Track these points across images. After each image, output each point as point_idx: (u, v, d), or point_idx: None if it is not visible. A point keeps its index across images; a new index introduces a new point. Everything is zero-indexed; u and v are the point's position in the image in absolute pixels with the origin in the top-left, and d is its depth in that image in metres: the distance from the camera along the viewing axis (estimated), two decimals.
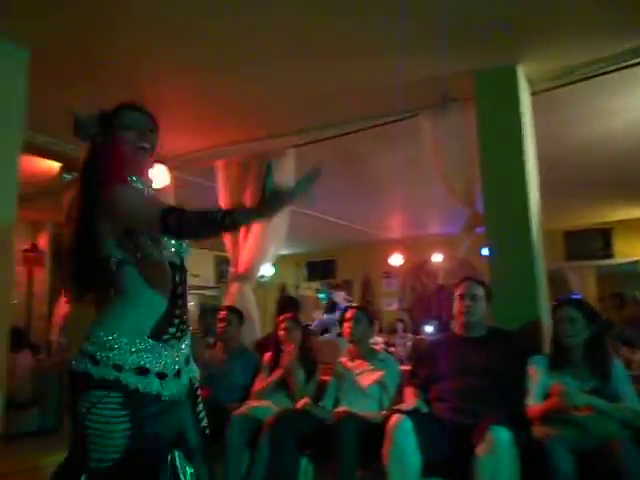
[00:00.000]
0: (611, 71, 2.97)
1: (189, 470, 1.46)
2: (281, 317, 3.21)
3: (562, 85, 3.10)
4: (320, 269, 9.81)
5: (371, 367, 2.87)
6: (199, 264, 8.47)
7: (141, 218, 1.45)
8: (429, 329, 7.62)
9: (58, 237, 6.14)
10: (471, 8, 2.48)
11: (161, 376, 1.43)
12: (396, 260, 8.58)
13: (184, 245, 1.59)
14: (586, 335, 2.32)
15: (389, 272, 8.85)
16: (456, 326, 2.68)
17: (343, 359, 3.02)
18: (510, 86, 2.93)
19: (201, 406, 1.62)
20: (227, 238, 4.02)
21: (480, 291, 2.62)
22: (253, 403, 2.96)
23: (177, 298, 1.51)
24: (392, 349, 6.03)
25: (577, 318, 2.32)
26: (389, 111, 3.35)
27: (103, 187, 1.45)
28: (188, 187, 4.43)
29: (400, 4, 2.41)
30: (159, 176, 3.84)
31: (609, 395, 2.19)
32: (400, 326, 7.29)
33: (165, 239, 1.51)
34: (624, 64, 2.92)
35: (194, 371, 1.60)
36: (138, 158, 1.58)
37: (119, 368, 1.37)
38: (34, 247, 6.48)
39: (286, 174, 3.86)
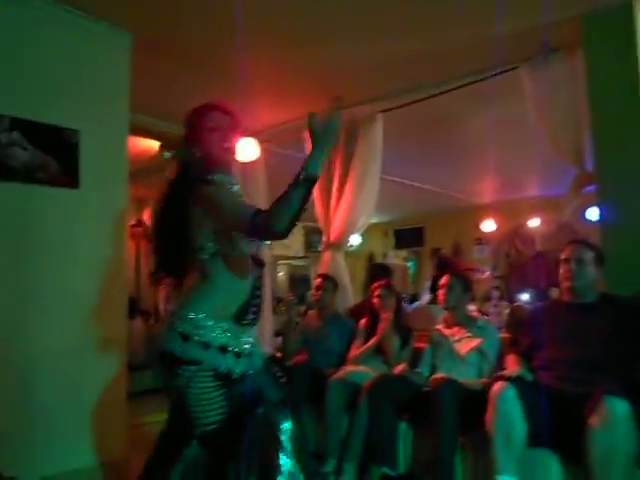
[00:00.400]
0: None
1: (286, 425, 1.62)
2: (375, 284, 3.21)
3: None
4: (408, 237, 9.66)
5: (469, 334, 2.80)
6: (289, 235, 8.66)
7: (233, 219, 1.57)
8: (525, 297, 7.29)
9: None
10: None
11: (237, 355, 1.60)
12: (488, 226, 8.22)
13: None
14: None
15: (481, 239, 8.52)
16: (562, 292, 2.52)
17: (439, 326, 2.98)
18: (624, 25, 2.61)
19: (275, 367, 1.84)
20: (319, 208, 4.05)
21: (588, 255, 2.44)
22: (350, 368, 3.02)
23: (256, 289, 1.67)
24: (485, 317, 5.85)
25: None
26: (483, 67, 3.16)
27: (200, 184, 1.59)
28: (278, 159, 4.51)
29: None
30: (250, 149, 3.93)
31: None
32: (495, 294, 7.04)
33: None
34: None
35: (261, 352, 1.80)
36: (224, 158, 1.69)
37: (207, 346, 1.54)
38: (140, 222, 6.96)
39: (375, 139, 3.80)
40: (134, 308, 5.19)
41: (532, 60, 2.97)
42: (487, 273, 8.33)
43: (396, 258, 9.99)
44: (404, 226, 9.65)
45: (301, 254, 9.48)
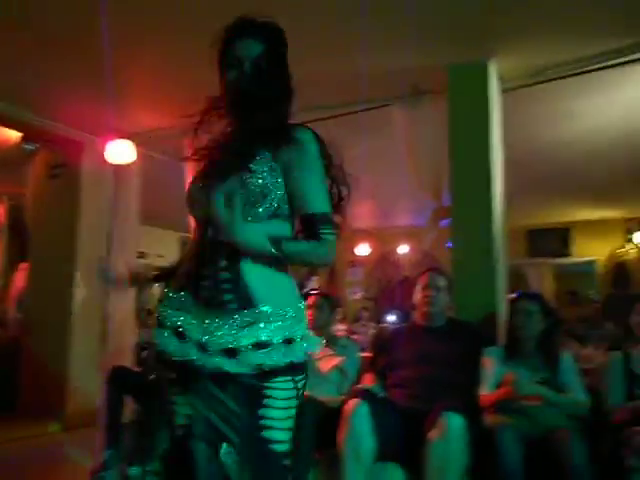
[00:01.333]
0: (578, 74, 3.05)
1: None
2: None
3: (532, 84, 3.17)
4: None
5: (331, 352, 2.89)
6: (163, 244, 8.32)
7: None
8: (391, 318, 7.74)
9: (16, 209, 5.93)
10: (446, 2, 2.50)
11: None
12: (363, 250, 8.64)
13: None
14: (540, 328, 2.40)
15: (354, 261, 8.92)
16: (417, 316, 2.72)
17: None
18: (481, 82, 2.98)
19: None
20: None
21: (443, 282, 2.68)
22: None
23: None
24: (354, 337, 6.09)
25: (534, 311, 2.40)
26: (362, 99, 3.35)
27: None
28: (156, 164, 4.34)
29: None
30: (124, 152, 3.74)
31: (558, 386, 2.28)
32: (364, 315, 7.37)
33: None
34: (590, 68, 3.01)
35: None
36: None
37: None
38: None
39: None
40: None
41: (404, 99, 3.22)
42: (359, 294, 8.73)
43: None
44: None
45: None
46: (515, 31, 2.79)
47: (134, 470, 2.58)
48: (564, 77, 3.09)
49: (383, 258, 8.76)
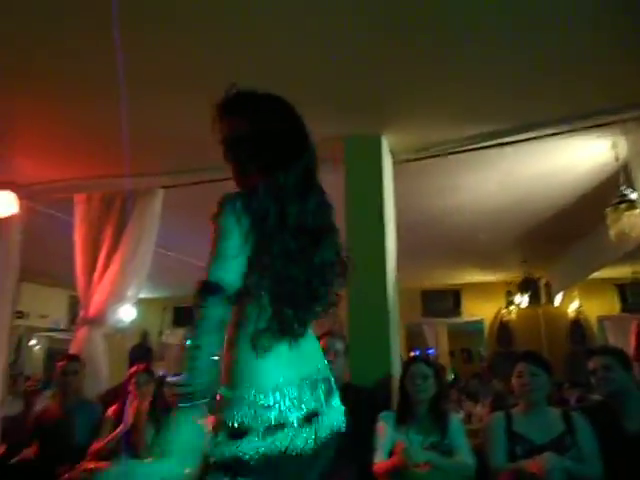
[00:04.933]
0: (461, 151, 3.36)
1: None
2: (133, 369, 2.97)
3: (420, 158, 3.43)
4: (188, 314, 9.35)
5: None
6: (50, 304, 7.65)
7: None
8: None
9: None
10: (344, 76, 2.67)
11: None
12: None
13: None
14: (433, 392, 2.46)
15: None
16: None
17: None
18: (374, 154, 3.17)
19: None
20: (79, 276, 3.67)
21: (340, 346, 2.68)
22: (89, 465, 2.65)
23: None
24: None
25: (429, 375, 2.46)
26: None
27: None
28: (43, 218, 4.03)
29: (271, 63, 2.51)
30: (4, 203, 3.46)
31: (447, 449, 2.32)
32: None
33: None
34: (472, 146, 3.33)
35: None
36: None
37: None
38: None
39: (151, 215, 3.69)
40: None
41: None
42: None
43: (173, 336, 9.53)
44: (184, 303, 9.36)
45: (63, 326, 8.36)
46: (405, 109, 3.03)
47: None
48: (448, 154, 3.39)
49: None
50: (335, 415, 1.29)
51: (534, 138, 3.24)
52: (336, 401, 1.32)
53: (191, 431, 1.05)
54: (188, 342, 1.11)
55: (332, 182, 3.22)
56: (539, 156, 3.66)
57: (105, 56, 2.41)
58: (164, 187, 3.70)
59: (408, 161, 3.43)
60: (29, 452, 2.85)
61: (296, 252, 1.23)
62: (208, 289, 1.15)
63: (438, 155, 3.40)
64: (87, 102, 2.90)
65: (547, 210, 4.74)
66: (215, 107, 1.36)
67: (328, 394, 1.28)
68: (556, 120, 3.13)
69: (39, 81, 2.71)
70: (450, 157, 3.42)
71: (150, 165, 3.56)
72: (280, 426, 1.15)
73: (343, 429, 1.29)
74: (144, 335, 9.17)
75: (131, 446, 2.76)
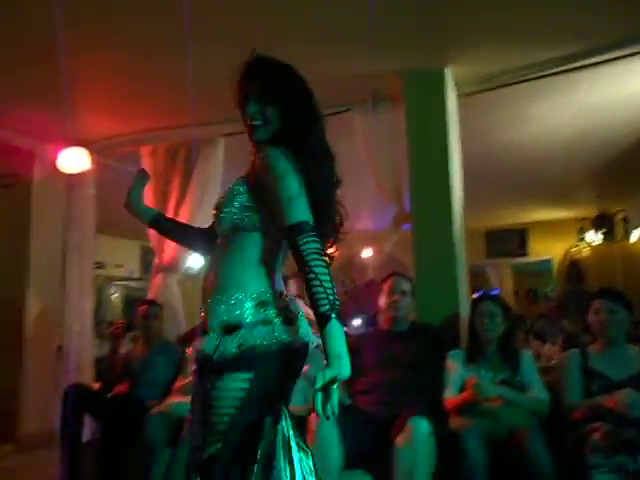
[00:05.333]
0: (531, 79, 3.14)
1: None
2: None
3: (487, 89, 3.24)
4: None
5: None
6: (124, 254, 8.10)
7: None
8: (357, 322, 7.77)
9: None
10: (403, 8, 2.52)
11: None
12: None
13: None
14: (502, 329, 2.44)
15: None
16: (382, 320, 2.72)
17: None
18: (438, 87, 3.02)
19: None
20: None
21: (407, 286, 2.69)
22: (174, 399, 2.87)
23: None
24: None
25: (496, 313, 2.44)
26: (322, 105, 3.34)
27: None
28: (112, 173, 4.20)
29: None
30: (78, 160, 3.62)
31: (519, 385, 2.32)
32: None
33: None
34: (543, 73, 3.10)
35: None
36: None
37: None
38: None
39: (214, 164, 3.75)
40: None
41: (363, 105, 3.23)
42: None
43: None
44: None
45: (137, 275, 8.88)
46: (469, 38, 2.85)
47: None
48: (517, 82, 3.18)
49: (348, 262, 8.79)
50: None
51: (613, 60, 2.97)
52: None
53: (343, 337, 1.18)
54: (319, 270, 1.19)
55: (391, 121, 3.16)
56: (618, 79, 3.35)
57: (169, 9, 2.41)
58: (225, 135, 3.73)
59: (474, 93, 3.25)
60: (121, 388, 3.12)
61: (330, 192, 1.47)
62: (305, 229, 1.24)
63: (506, 85, 3.20)
64: (151, 55, 2.94)
65: (626, 138, 4.40)
66: (245, 65, 1.47)
67: None
68: (637, 38, 2.84)
69: (104, 36, 2.75)
70: (519, 86, 3.21)
71: (211, 114, 3.58)
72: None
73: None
74: None
75: None
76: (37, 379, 3.92)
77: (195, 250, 1.78)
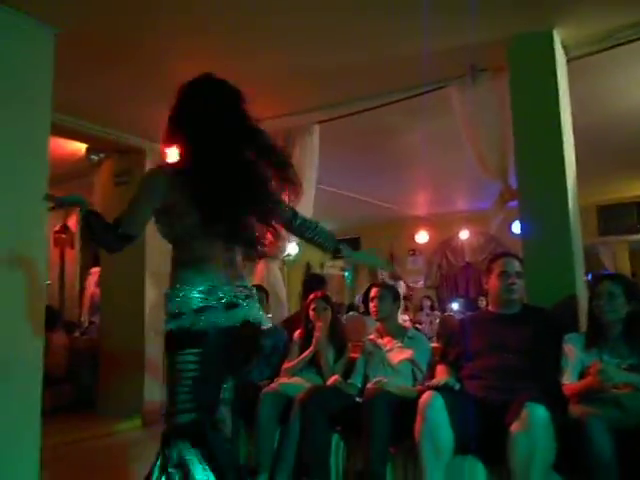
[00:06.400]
0: None
1: None
2: (312, 296, 3.18)
3: (600, 50, 2.96)
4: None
5: (400, 344, 2.85)
6: None
7: None
8: (455, 306, 7.57)
9: None
10: None
11: None
12: (422, 237, 8.49)
13: None
14: (625, 311, 2.25)
15: (414, 249, 8.78)
16: (492, 303, 2.60)
17: (371, 336, 3.01)
18: (545, 52, 2.80)
19: None
20: None
21: (519, 267, 2.55)
22: (283, 380, 2.98)
23: None
24: (419, 327, 6.00)
25: (617, 294, 2.25)
26: (417, 83, 3.26)
27: None
28: None
29: None
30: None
31: None
32: (427, 304, 7.26)
33: None
34: None
35: None
36: None
37: None
38: (65, 228, 6.60)
39: (311, 150, 3.80)
40: (56, 319, 4.87)
41: (461, 79, 3.09)
42: (420, 283, 8.59)
43: (333, 268, 10.05)
44: (340, 236, 9.67)
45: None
46: None
47: None
48: (633, 41, 2.86)
49: (444, 244, 8.57)
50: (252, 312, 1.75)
51: None
52: (254, 304, 1.78)
53: None
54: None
55: (492, 93, 3.00)
56: None
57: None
58: (320, 122, 3.77)
59: (584, 56, 2.98)
60: None
61: None
62: None
63: (620, 44, 2.90)
64: (248, 55, 3.03)
65: None
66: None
67: (246, 298, 1.74)
68: None
69: (203, 49, 2.89)
70: (635, 45, 2.89)
71: (305, 101, 3.64)
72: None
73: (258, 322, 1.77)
74: (307, 267, 9.82)
75: (317, 365, 3.02)
76: (159, 358, 4.25)
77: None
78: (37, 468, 2.52)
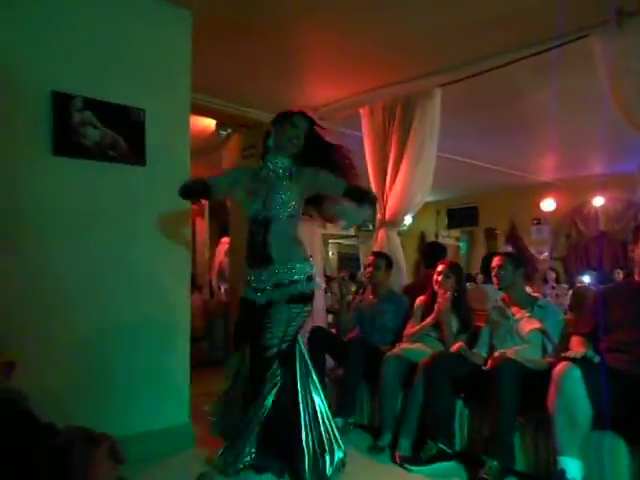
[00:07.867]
0: None
1: None
2: (442, 263, 3.15)
3: None
4: (461, 216, 9.44)
5: (529, 314, 2.74)
6: None
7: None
8: (587, 279, 7.01)
9: None
10: None
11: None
12: (548, 205, 7.92)
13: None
14: None
15: (539, 218, 8.23)
16: (637, 273, 2.39)
17: (497, 305, 2.93)
18: None
19: None
20: (374, 186, 4.01)
21: None
22: (405, 345, 3.02)
23: None
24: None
25: None
26: (549, 36, 3.00)
27: None
28: (332, 137, 4.48)
29: None
30: None
31: None
32: (552, 276, 6.82)
33: None
34: None
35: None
36: None
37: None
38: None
39: (432, 115, 3.70)
40: (192, 283, 5.35)
41: (604, 27, 2.79)
42: (545, 254, 8.06)
43: (448, 238, 9.81)
44: (457, 205, 9.43)
45: (351, 233, 9.45)
46: None
47: (338, 421, 2.80)
48: None
49: (574, 212, 7.91)
50: None
51: None
52: None
53: None
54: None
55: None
56: None
57: None
58: (442, 85, 3.64)
59: None
60: (353, 332, 3.41)
61: None
62: None
63: None
64: (373, 30, 3.03)
65: None
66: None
67: None
68: None
69: (327, 14, 2.92)
70: None
71: (427, 66, 3.54)
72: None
73: None
74: (421, 237, 9.69)
75: (439, 332, 3.02)
76: None
77: None
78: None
